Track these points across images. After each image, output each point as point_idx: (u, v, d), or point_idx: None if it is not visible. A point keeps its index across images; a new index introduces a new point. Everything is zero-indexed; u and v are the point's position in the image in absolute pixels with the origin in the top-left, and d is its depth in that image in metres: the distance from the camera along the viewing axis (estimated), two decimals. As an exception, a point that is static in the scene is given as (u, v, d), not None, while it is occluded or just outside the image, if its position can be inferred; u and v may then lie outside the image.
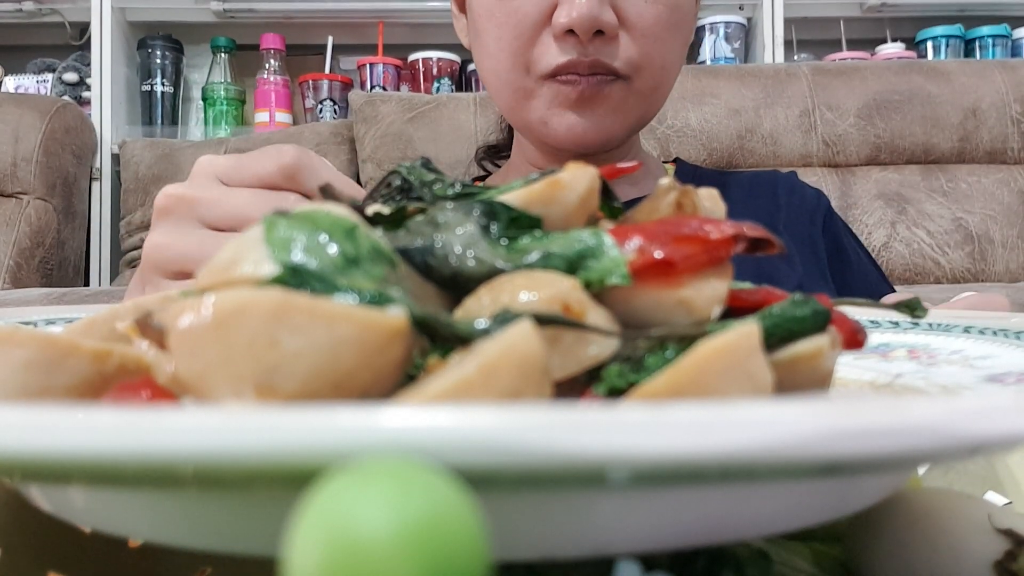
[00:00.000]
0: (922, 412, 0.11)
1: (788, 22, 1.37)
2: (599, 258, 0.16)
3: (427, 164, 0.19)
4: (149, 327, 0.15)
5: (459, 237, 0.16)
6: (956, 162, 1.14)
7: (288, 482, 0.10)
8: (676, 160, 0.68)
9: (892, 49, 1.40)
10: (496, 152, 0.69)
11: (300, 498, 0.09)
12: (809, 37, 1.46)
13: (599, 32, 0.48)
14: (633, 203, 0.20)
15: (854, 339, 0.18)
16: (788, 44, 1.39)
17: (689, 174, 0.62)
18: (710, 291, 0.16)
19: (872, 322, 0.26)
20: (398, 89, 1.41)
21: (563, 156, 0.56)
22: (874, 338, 0.25)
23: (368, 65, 1.40)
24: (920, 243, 1.09)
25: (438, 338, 0.14)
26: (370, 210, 0.18)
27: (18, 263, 1.13)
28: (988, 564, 0.15)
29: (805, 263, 0.57)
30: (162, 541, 0.14)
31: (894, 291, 0.60)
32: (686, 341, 0.15)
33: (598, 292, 0.16)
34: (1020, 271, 1.10)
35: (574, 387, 0.15)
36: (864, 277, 0.60)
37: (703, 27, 1.39)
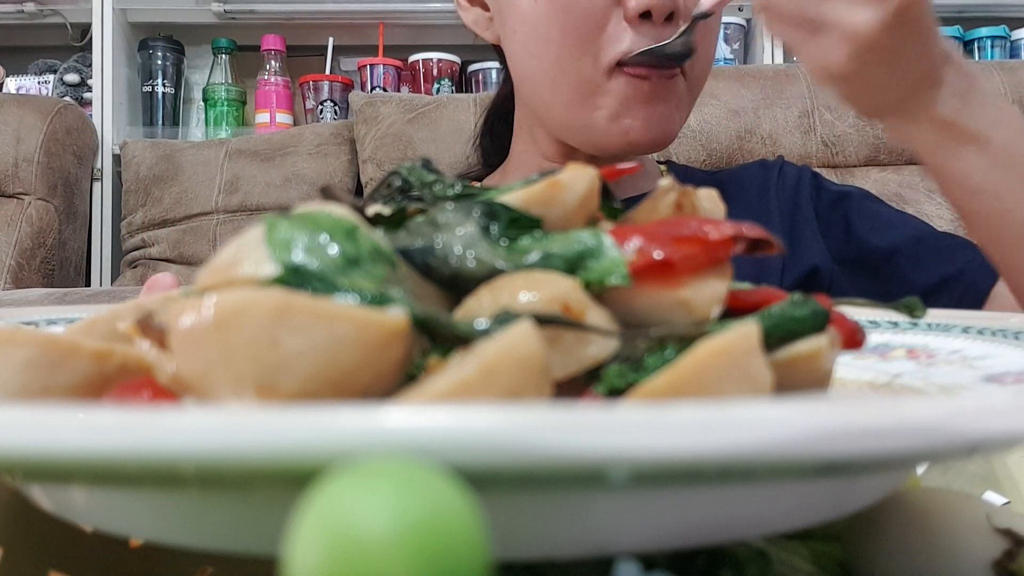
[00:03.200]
0: (921, 412, 0.11)
1: (788, 23, 1.37)
2: (599, 258, 0.16)
3: (427, 165, 0.19)
4: (150, 327, 0.15)
5: (459, 237, 0.16)
6: (956, 163, 1.14)
7: (289, 482, 0.10)
8: (668, 163, 0.68)
9: (892, 50, 1.40)
10: (487, 167, 0.67)
11: (301, 498, 0.09)
12: (809, 38, 1.46)
13: (669, 16, 0.48)
14: (630, 202, 0.20)
15: (853, 339, 0.18)
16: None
17: (680, 175, 0.62)
18: (709, 291, 0.16)
19: (871, 322, 0.26)
20: (398, 90, 1.41)
21: (579, 155, 0.55)
22: (873, 338, 0.25)
23: (368, 66, 1.40)
24: (920, 244, 1.09)
25: (438, 338, 0.14)
26: (370, 211, 0.18)
27: (19, 263, 1.14)
28: (987, 563, 0.15)
29: (788, 234, 0.56)
30: (163, 540, 0.14)
31: (914, 219, 0.58)
32: (685, 341, 0.15)
33: (598, 292, 0.16)
34: (1021, 272, 1.09)
35: (574, 387, 0.15)
36: (876, 215, 0.58)
37: (703, 28, 1.39)
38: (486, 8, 0.56)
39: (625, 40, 0.48)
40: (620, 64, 0.48)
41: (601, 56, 0.49)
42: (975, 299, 0.51)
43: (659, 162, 0.67)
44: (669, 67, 0.49)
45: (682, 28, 0.48)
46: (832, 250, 0.57)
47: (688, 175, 0.63)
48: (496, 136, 0.65)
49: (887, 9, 0.36)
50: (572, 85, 0.50)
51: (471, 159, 0.69)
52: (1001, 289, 0.51)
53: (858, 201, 0.59)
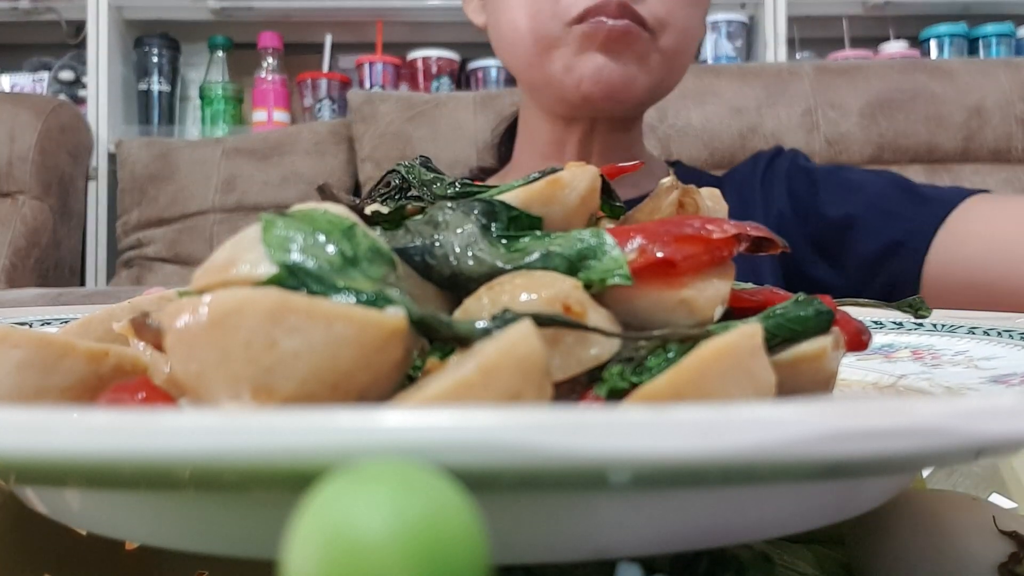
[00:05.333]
0: (926, 413, 0.10)
1: (791, 20, 1.37)
2: (600, 258, 0.16)
3: (426, 163, 0.19)
4: (145, 327, 0.15)
5: (459, 237, 0.16)
6: (960, 161, 1.14)
7: (286, 484, 0.10)
8: (677, 163, 0.68)
9: (895, 47, 1.40)
10: (490, 173, 0.68)
11: (298, 500, 0.09)
12: (812, 35, 1.46)
13: None
14: (635, 202, 0.20)
15: (857, 340, 0.17)
16: (791, 43, 1.39)
17: (686, 178, 0.62)
18: (712, 291, 0.16)
19: (875, 323, 0.26)
20: (397, 88, 1.41)
21: (576, 125, 0.56)
22: (878, 339, 0.25)
23: (367, 64, 1.40)
24: (921, 242, 1.08)
25: (437, 339, 0.14)
26: (369, 209, 0.18)
27: (13, 263, 1.13)
28: (992, 567, 0.15)
29: (773, 224, 0.56)
30: (159, 544, 0.13)
31: (888, 176, 0.55)
32: (688, 342, 0.15)
33: (599, 292, 0.16)
34: (1020, 271, 1.09)
35: (575, 388, 0.15)
36: (843, 184, 0.55)
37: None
38: None
39: (581, 1, 0.49)
40: (579, 20, 0.50)
41: (558, 12, 0.50)
42: (912, 268, 0.49)
43: (669, 163, 0.67)
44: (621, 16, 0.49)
45: None
46: (800, 234, 0.55)
47: (696, 178, 0.62)
48: (501, 148, 0.66)
49: None
50: (532, 42, 0.52)
51: (487, 157, 0.70)
52: (939, 257, 0.48)
53: (827, 174, 0.57)
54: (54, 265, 1.20)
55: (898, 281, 0.51)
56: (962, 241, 0.48)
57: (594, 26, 0.49)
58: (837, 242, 0.54)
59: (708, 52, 1.39)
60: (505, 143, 0.67)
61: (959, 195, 0.50)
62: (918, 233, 0.50)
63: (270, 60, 1.42)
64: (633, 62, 0.51)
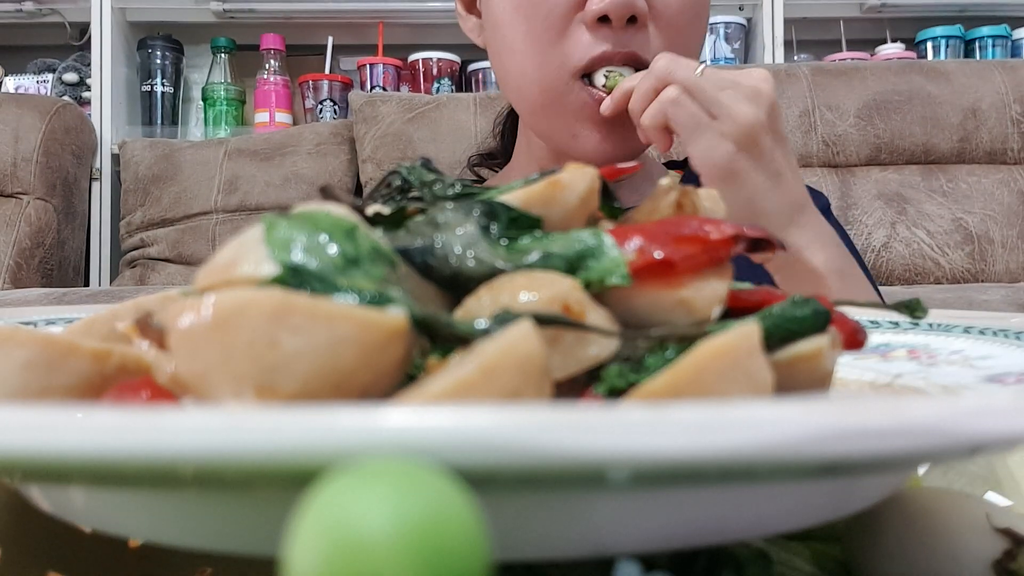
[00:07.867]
0: (922, 412, 0.11)
1: (788, 22, 1.37)
2: (599, 258, 0.16)
3: (427, 164, 0.19)
4: (149, 327, 0.15)
5: (459, 237, 0.16)
6: (956, 162, 1.14)
7: (288, 482, 0.10)
8: (686, 160, 0.67)
9: (892, 49, 1.40)
10: (490, 159, 0.68)
11: (300, 498, 0.09)
12: (809, 37, 1.46)
13: (631, 19, 0.47)
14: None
15: (854, 339, 0.18)
16: (788, 44, 1.39)
17: (696, 180, 0.62)
18: (710, 291, 0.16)
19: (872, 322, 0.26)
20: (398, 89, 1.41)
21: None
22: (874, 338, 0.25)
23: (368, 65, 1.40)
24: (920, 243, 1.09)
25: (438, 338, 0.14)
26: (370, 210, 0.18)
27: (18, 263, 1.13)
28: (987, 563, 0.15)
29: None
30: (162, 541, 0.14)
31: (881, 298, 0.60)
32: (686, 341, 0.15)
33: (598, 292, 0.16)
34: (1020, 271, 1.10)
35: (574, 387, 0.15)
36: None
37: (703, 27, 1.39)
38: (480, 15, 0.57)
39: (586, 45, 0.48)
40: (586, 70, 0.48)
41: (565, 63, 0.49)
42: None
43: (678, 162, 0.67)
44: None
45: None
46: None
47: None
48: (504, 138, 0.65)
49: (763, 106, 0.42)
50: (539, 93, 0.50)
51: (486, 144, 0.69)
52: None
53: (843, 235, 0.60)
54: (58, 265, 1.20)
55: None
56: None
57: (591, 100, 0.48)
58: None
59: (706, 54, 1.39)
60: (508, 133, 0.66)
61: None
62: None
63: (272, 62, 1.42)
64: (633, 128, 0.49)
